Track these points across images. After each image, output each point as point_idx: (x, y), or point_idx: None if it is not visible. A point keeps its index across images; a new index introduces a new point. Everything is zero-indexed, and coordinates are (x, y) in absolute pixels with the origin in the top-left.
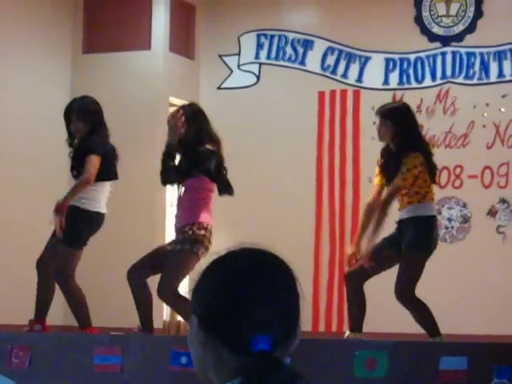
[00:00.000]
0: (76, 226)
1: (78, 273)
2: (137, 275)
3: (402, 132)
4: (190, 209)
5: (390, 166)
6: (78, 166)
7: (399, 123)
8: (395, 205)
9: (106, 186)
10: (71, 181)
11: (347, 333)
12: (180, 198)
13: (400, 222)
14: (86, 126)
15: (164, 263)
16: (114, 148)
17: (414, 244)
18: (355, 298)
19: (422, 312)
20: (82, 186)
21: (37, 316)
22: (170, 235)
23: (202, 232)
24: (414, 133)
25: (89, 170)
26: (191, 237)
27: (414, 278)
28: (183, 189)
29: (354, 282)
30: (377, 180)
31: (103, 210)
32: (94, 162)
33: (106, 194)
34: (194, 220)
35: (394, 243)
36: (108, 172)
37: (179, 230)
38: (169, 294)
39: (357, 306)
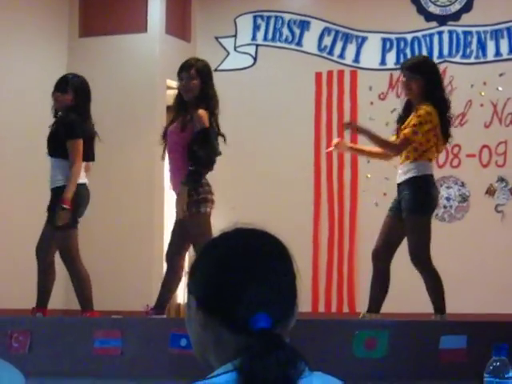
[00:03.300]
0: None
1: (81, 258)
2: (174, 255)
3: (430, 87)
4: (179, 171)
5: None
6: (55, 143)
7: (429, 77)
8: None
9: (85, 165)
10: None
11: (363, 313)
12: (169, 162)
13: (398, 186)
14: (72, 102)
15: (185, 235)
16: (92, 128)
17: (412, 208)
18: (380, 278)
19: (434, 282)
20: (75, 175)
21: (38, 304)
22: (168, 218)
23: (201, 190)
24: (440, 88)
25: (74, 159)
26: (193, 199)
27: (425, 242)
28: (169, 147)
29: (381, 262)
30: (394, 138)
31: (82, 180)
32: (76, 147)
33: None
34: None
35: (398, 210)
36: (89, 153)
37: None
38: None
39: (379, 287)
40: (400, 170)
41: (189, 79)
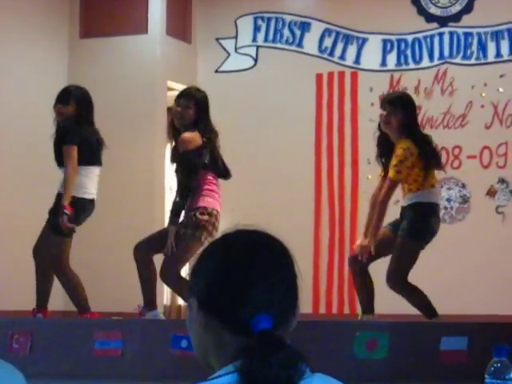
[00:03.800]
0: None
1: (78, 259)
2: (143, 252)
3: (407, 121)
4: (192, 194)
5: (388, 156)
6: (57, 153)
7: (407, 112)
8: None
9: (92, 171)
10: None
11: (360, 315)
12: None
13: (402, 209)
14: (74, 113)
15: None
16: (95, 133)
17: (407, 231)
18: (361, 280)
19: (415, 297)
20: (69, 179)
21: (38, 305)
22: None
23: (206, 217)
24: (414, 121)
25: (67, 164)
26: (194, 222)
27: (406, 267)
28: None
29: (358, 266)
30: (381, 172)
31: (90, 196)
32: (69, 153)
33: (94, 179)
34: (196, 205)
35: (397, 229)
36: (91, 157)
37: (185, 214)
38: (171, 276)
39: (364, 289)
40: (404, 198)
41: (185, 108)
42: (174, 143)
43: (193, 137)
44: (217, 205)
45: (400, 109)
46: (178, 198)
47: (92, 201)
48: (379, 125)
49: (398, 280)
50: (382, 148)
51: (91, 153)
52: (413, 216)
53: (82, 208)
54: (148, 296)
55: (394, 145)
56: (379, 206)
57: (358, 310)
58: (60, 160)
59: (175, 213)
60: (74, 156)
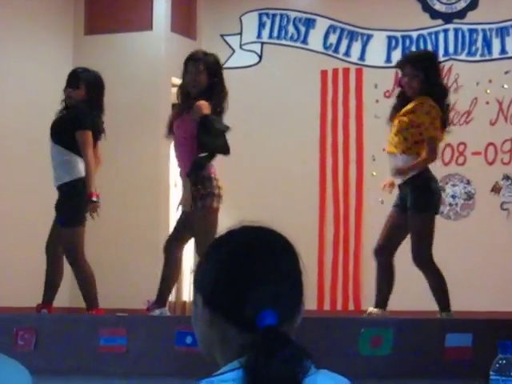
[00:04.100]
0: (70, 202)
1: (86, 256)
2: (173, 246)
3: (430, 81)
4: (187, 163)
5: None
6: (62, 133)
7: (429, 72)
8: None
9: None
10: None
11: (370, 308)
12: (176, 154)
13: (399, 186)
14: (85, 97)
15: (189, 227)
16: (102, 121)
17: (415, 207)
18: (384, 273)
19: (438, 281)
20: (90, 169)
21: (44, 300)
22: (174, 215)
23: (208, 184)
24: (438, 80)
25: (86, 150)
26: (199, 194)
27: (428, 241)
28: (176, 140)
29: (384, 258)
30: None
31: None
32: (85, 139)
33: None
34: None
35: (403, 207)
36: (94, 145)
37: (186, 192)
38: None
39: (385, 282)
40: (392, 165)
41: (196, 73)
42: (177, 113)
43: (206, 104)
44: (212, 170)
45: (421, 71)
46: (202, 157)
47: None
48: (400, 85)
49: (425, 256)
50: (400, 102)
51: (95, 141)
52: (414, 191)
53: (86, 194)
54: (162, 293)
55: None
56: (423, 161)
57: (363, 306)
58: (60, 137)
59: (195, 168)
60: (91, 141)
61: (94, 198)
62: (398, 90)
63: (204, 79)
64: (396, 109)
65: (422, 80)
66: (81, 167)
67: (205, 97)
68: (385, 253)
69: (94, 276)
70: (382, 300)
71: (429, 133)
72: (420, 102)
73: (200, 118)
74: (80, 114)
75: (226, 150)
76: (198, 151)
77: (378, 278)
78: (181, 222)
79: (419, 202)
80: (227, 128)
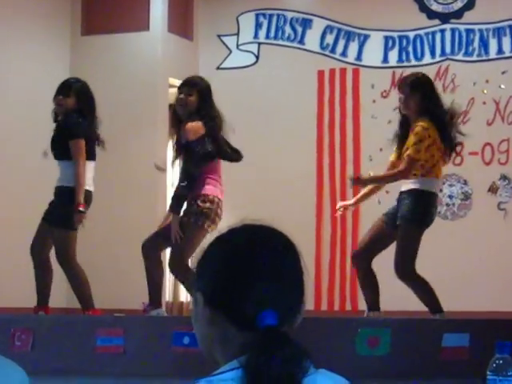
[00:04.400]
0: (66, 207)
1: (80, 256)
2: (151, 249)
3: (427, 102)
4: (198, 179)
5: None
6: (58, 145)
7: (426, 93)
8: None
9: (89, 165)
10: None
11: (366, 313)
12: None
13: (400, 194)
14: (75, 106)
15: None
16: (96, 127)
17: (408, 218)
18: (366, 278)
19: (423, 289)
20: (80, 175)
21: (39, 303)
22: None
23: (208, 205)
24: (436, 103)
25: (78, 158)
26: (196, 210)
27: (412, 254)
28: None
29: (362, 263)
30: (393, 156)
31: (90, 188)
32: (78, 147)
33: (92, 172)
34: (197, 192)
35: (393, 218)
36: (91, 152)
37: (187, 203)
38: (178, 267)
39: (369, 287)
40: (405, 182)
41: (187, 95)
42: (176, 135)
43: (195, 126)
44: (219, 192)
45: (417, 91)
46: (181, 187)
47: (90, 193)
48: (399, 108)
49: (407, 268)
50: (402, 130)
51: (91, 148)
52: (413, 202)
53: (85, 199)
54: (154, 294)
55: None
56: (392, 175)
57: (361, 306)
58: (58, 153)
59: (178, 201)
60: (83, 150)
61: (81, 209)
62: (399, 117)
63: (194, 101)
64: (399, 137)
65: (419, 101)
66: (87, 179)
67: (196, 118)
68: (364, 257)
69: (86, 278)
70: (373, 303)
71: (409, 151)
72: (415, 123)
73: (185, 143)
74: (71, 124)
75: (237, 157)
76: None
77: (360, 283)
78: (165, 230)
79: (413, 214)
80: (211, 152)
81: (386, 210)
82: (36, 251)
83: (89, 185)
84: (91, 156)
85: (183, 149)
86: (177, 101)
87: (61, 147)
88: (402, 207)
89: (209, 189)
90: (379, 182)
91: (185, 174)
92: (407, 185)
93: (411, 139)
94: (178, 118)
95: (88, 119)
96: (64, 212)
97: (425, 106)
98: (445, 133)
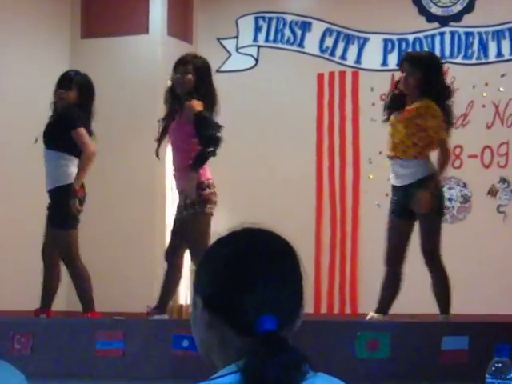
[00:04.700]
0: (64, 206)
1: (83, 259)
2: (172, 255)
3: (428, 81)
4: (186, 164)
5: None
6: (53, 135)
7: (428, 72)
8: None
9: (76, 162)
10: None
11: (371, 313)
12: (175, 160)
13: (405, 188)
14: (76, 100)
15: (184, 233)
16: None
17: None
18: (392, 280)
19: (445, 282)
20: (89, 160)
21: (43, 305)
22: (170, 216)
23: (207, 190)
24: (438, 81)
25: (86, 145)
26: (198, 199)
27: (439, 241)
28: (175, 149)
29: (395, 267)
30: (389, 129)
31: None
32: (83, 134)
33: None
34: (198, 180)
35: (403, 211)
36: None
37: (182, 192)
38: None
39: (391, 289)
40: (400, 170)
41: (184, 73)
42: (169, 113)
43: (198, 103)
44: (209, 174)
45: (418, 69)
46: (208, 152)
47: (82, 184)
48: (397, 82)
49: (437, 255)
50: (395, 102)
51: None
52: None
53: (80, 196)
54: (163, 299)
55: (407, 102)
56: (445, 166)
57: (360, 309)
58: (51, 142)
59: (202, 163)
60: (88, 137)
61: (80, 196)
62: (391, 91)
63: (191, 79)
64: (390, 109)
65: (419, 78)
66: (74, 172)
67: (195, 96)
68: (395, 261)
69: (89, 278)
70: (384, 306)
71: (439, 135)
72: (425, 105)
73: (194, 116)
74: (71, 115)
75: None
76: (198, 148)
77: (384, 284)
78: (175, 232)
79: (434, 204)
80: (219, 126)
81: (391, 206)
82: (46, 254)
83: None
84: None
85: (196, 120)
86: (174, 80)
87: (55, 137)
88: (415, 198)
89: (203, 174)
90: (441, 175)
91: (209, 141)
92: (409, 177)
93: (433, 123)
94: (174, 96)
95: (87, 113)
96: (60, 212)
97: (425, 85)
98: (446, 113)
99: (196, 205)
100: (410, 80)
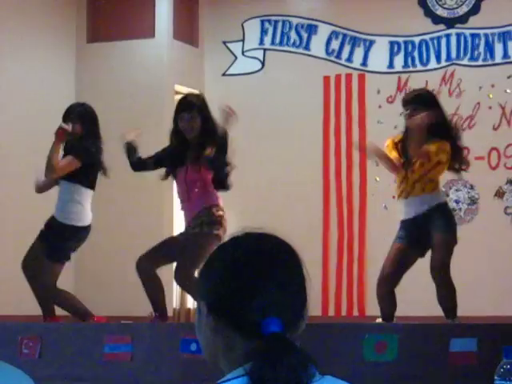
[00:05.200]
0: (63, 242)
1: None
2: (147, 266)
3: (436, 118)
4: (205, 191)
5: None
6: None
7: (434, 109)
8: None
9: (90, 195)
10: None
11: (378, 320)
12: (189, 184)
13: (421, 217)
14: (81, 130)
15: (181, 251)
16: (101, 160)
17: (449, 229)
18: (386, 300)
19: (452, 293)
20: (52, 170)
21: (45, 314)
22: (177, 226)
23: (220, 213)
24: (445, 119)
25: (61, 169)
26: (211, 219)
27: (449, 261)
28: (187, 187)
29: (390, 286)
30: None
31: (90, 222)
32: (70, 163)
33: (89, 203)
34: (211, 202)
35: (414, 241)
36: (93, 181)
37: (197, 214)
38: (188, 278)
39: (388, 305)
40: (412, 203)
41: (190, 119)
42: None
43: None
44: (220, 200)
45: (422, 107)
46: (222, 167)
47: (89, 226)
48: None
49: (447, 271)
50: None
51: (94, 177)
52: (446, 216)
53: (82, 236)
54: (159, 307)
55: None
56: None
57: (368, 312)
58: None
59: (222, 167)
60: (71, 168)
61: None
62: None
63: (199, 123)
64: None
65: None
66: (83, 216)
67: (209, 141)
68: (392, 282)
69: (72, 295)
70: (387, 316)
71: (431, 149)
72: (440, 144)
73: (208, 161)
74: (78, 147)
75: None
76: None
77: (380, 301)
78: (164, 248)
79: (452, 225)
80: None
81: (400, 234)
82: (26, 267)
83: (87, 216)
84: (92, 185)
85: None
86: (182, 127)
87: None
88: (437, 223)
89: (217, 197)
90: (386, 157)
91: (223, 162)
92: (423, 205)
93: (440, 154)
94: (183, 140)
95: (95, 145)
96: (57, 246)
97: (432, 123)
98: (457, 155)
99: (207, 225)
100: (415, 113)
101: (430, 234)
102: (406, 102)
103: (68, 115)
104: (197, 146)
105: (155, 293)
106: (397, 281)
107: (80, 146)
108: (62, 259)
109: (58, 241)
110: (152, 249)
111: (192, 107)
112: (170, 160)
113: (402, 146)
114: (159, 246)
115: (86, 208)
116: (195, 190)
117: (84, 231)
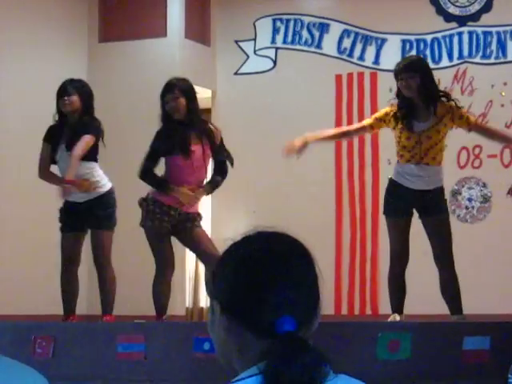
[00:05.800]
0: (113, 208)
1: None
2: (162, 287)
3: (429, 83)
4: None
5: (412, 114)
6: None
7: (427, 75)
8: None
9: (97, 166)
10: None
11: (392, 315)
12: (190, 172)
13: (424, 192)
14: (80, 105)
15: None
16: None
17: (446, 211)
18: (396, 281)
19: (456, 283)
20: (75, 160)
21: (66, 313)
22: None
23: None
24: (435, 83)
25: (81, 150)
26: (201, 217)
27: (452, 243)
28: (193, 164)
29: (396, 267)
30: (370, 121)
31: (110, 184)
32: (88, 143)
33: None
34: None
35: (410, 214)
36: (97, 154)
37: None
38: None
39: (397, 290)
40: (422, 173)
41: (174, 100)
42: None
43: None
44: None
45: (419, 74)
46: (221, 177)
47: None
48: (398, 95)
49: (451, 257)
50: (405, 109)
51: (98, 150)
52: (443, 199)
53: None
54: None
55: (417, 107)
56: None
57: (381, 310)
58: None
59: (215, 187)
60: (89, 146)
61: (67, 185)
62: (395, 101)
63: (183, 103)
64: (405, 118)
65: (419, 81)
66: (105, 179)
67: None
68: (404, 261)
69: (115, 282)
70: (398, 306)
71: (474, 118)
72: (447, 107)
73: (220, 142)
74: (89, 124)
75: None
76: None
77: (390, 286)
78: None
79: (446, 208)
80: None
81: (398, 207)
82: (71, 262)
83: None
84: (97, 158)
85: (220, 147)
86: (168, 109)
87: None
88: (434, 203)
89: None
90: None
91: (225, 169)
92: (432, 183)
93: (466, 119)
94: (172, 122)
95: (97, 119)
96: (111, 214)
97: (426, 87)
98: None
99: (199, 218)
100: (411, 83)
101: (429, 210)
102: (400, 71)
103: (65, 90)
104: (198, 123)
105: (160, 299)
106: (407, 259)
107: (92, 124)
108: (114, 225)
109: (110, 209)
110: (157, 268)
111: (173, 88)
112: (167, 146)
113: (403, 113)
114: (159, 260)
115: (103, 174)
116: (197, 172)
117: (112, 193)
